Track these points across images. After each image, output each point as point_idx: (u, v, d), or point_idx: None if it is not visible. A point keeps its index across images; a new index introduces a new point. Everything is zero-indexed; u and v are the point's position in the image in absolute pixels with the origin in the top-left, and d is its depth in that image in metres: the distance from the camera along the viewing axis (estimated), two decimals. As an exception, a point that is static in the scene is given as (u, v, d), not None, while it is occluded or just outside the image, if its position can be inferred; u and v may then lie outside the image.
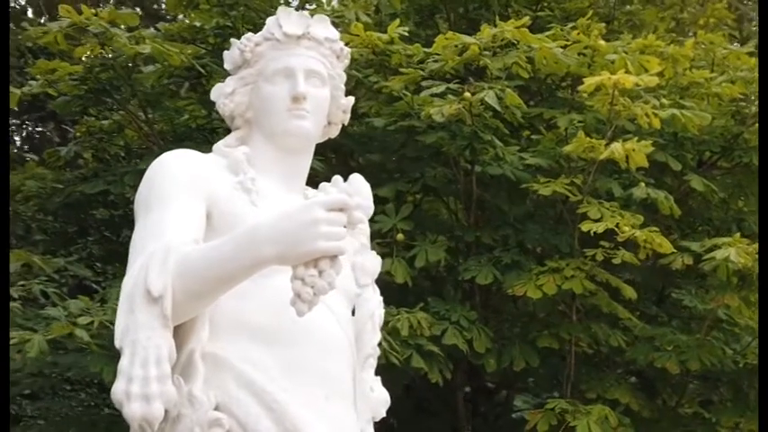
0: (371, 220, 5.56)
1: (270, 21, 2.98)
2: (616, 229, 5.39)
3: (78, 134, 7.42)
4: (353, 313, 3.13)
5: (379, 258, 3.21)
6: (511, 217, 6.26)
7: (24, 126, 11.40)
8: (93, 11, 6.08)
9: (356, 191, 3.26)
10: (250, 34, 3.02)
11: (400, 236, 5.73)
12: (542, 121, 6.51)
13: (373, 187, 5.52)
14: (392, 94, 5.95)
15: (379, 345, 4.91)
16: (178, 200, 2.64)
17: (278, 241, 2.36)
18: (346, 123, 3.20)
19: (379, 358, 4.96)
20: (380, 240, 5.73)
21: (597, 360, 6.71)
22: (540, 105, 6.51)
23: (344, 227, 2.40)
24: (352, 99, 3.16)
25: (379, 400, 3.04)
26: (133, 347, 2.37)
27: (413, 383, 6.30)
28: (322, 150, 6.68)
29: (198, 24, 6.74)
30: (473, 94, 5.46)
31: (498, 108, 5.46)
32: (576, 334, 5.91)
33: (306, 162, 3.03)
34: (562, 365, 6.28)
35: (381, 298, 3.18)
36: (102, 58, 6.26)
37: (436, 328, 5.50)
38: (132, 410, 2.34)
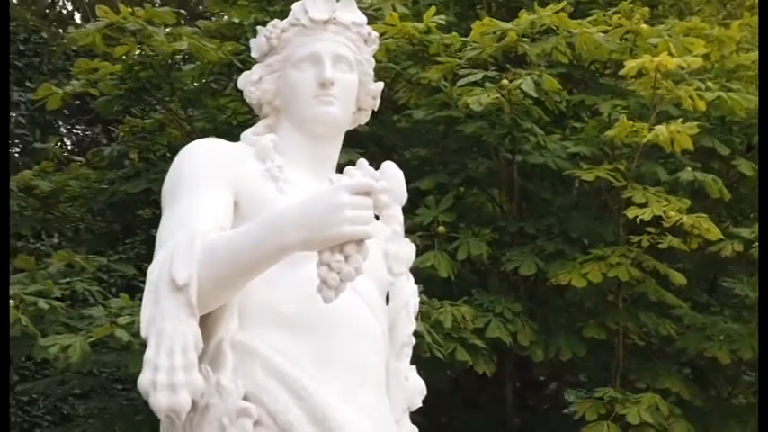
0: (412, 212, 5.55)
1: (296, 6, 2.95)
2: (662, 215, 5.27)
3: (122, 134, 7.46)
4: (388, 302, 3.10)
5: (413, 246, 3.16)
6: (555, 206, 6.16)
7: (73, 129, 11.51)
8: (131, 10, 6.11)
9: (388, 178, 3.23)
10: (276, 21, 2.99)
11: (441, 228, 5.67)
12: (585, 108, 6.40)
13: (416, 180, 5.51)
14: (431, 84, 5.88)
15: (420, 336, 4.94)
16: (204, 189, 2.62)
17: (302, 226, 2.32)
18: (376, 109, 3.16)
19: (424, 352, 4.97)
20: (422, 233, 5.68)
21: (647, 350, 6.59)
22: (583, 93, 6.39)
23: (371, 211, 2.36)
24: (381, 84, 3.12)
25: (414, 389, 2.98)
26: (159, 337, 2.35)
27: (459, 378, 6.23)
28: (364, 144, 6.67)
29: (236, 21, 6.74)
30: (511, 81, 5.37)
31: (535, 94, 5.36)
32: (623, 323, 5.79)
33: (334, 149, 2.99)
34: (612, 357, 6.16)
35: (416, 287, 3.13)
36: (141, 57, 6.28)
37: (480, 320, 5.43)
38: (159, 400, 2.32)
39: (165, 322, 2.35)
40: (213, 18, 7.97)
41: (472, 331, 5.31)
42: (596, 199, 6.36)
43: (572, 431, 5.70)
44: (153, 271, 2.42)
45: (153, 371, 2.33)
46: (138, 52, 6.28)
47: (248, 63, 6.25)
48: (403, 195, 3.22)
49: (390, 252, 3.08)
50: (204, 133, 6.72)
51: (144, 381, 2.33)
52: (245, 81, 3.01)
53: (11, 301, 4.90)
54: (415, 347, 4.89)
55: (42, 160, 7.65)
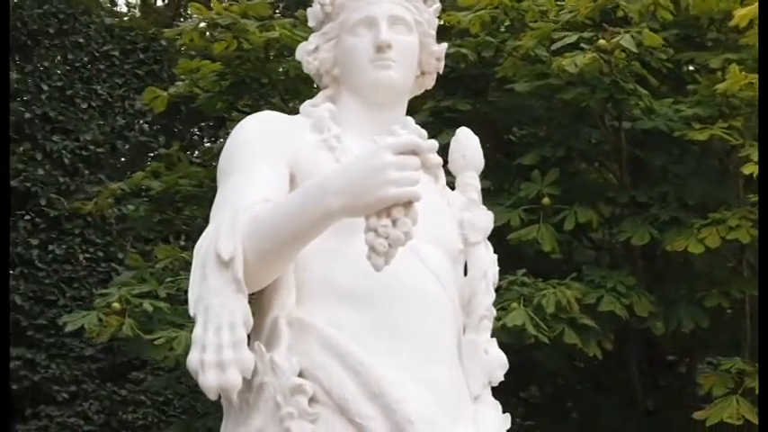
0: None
1: (350, -31, 2.83)
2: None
3: (230, 130, 7.48)
4: (465, 273, 2.96)
5: (490, 214, 3.02)
6: (670, 173, 5.84)
7: (182, 130, 11.71)
8: (226, 5, 6.13)
9: (463, 145, 3.09)
10: (330, -14, 2.87)
11: (546, 200, 5.44)
12: (700, 68, 6.05)
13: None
14: (529, 54, 5.66)
15: (521, 325, 4.75)
16: (255, 164, 2.55)
17: (344, 191, 2.20)
18: (441, 72, 3.01)
19: (528, 338, 4.78)
20: (527, 207, 5.48)
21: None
22: (692, 51, 6.03)
23: (418, 171, 2.21)
24: (444, 45, 2.98)
25: (494, 363, 2.82)
26: (206, 315, 2.28)
27: (578, 359, 5.99)
28: (470, 126, 6.49)
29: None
30: (609, 40, 5.09)
31: (635, 50, 5.06)
32: (749, 291, 5.43)
33: (397, 117, 2.84)
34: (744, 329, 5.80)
35: (496, 256, 2.98)
36: (239, 51, 6.28)
37: (591, 296, 5.19)
38: (207, 380, 2.24)
39: (212, 299, 2.28)
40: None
41: (580, 310, 5.06)
42: (714, 161, 6.01)
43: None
44: (200, 248, 2.36)
45: (201, 350, 2.26)
46: (235, 47, 6.27)
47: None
48: (480, 162, 3.09)
49: (466, 220, 2.96)
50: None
51: (192, 360, 2.26)
52: (302, 52, 2.93)
53: (116, 304, 5.01)
54: (517, 335, 4.73)
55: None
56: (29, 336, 9.41)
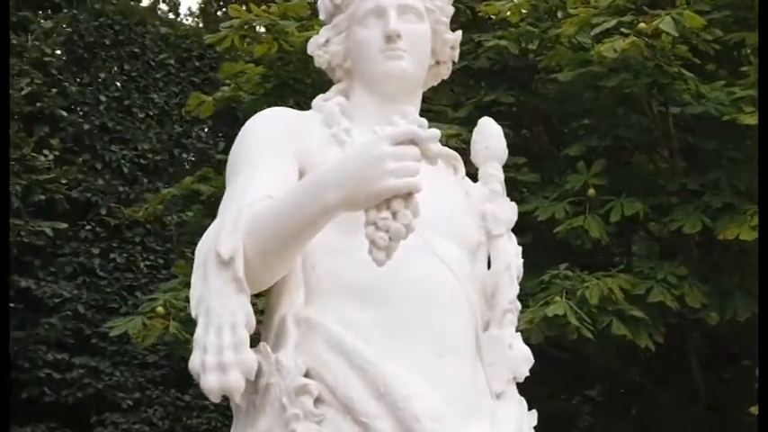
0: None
1: (359, -41, 2.77)
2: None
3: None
4: (489, 266, 2.87)
5: (514, 206, 2.94)
6: (723, 158, 5.64)
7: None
8: (266, 6, 6.11)
9: (486, 135, 3.01)
10: (339, -22, 2.81)
11: (591, 191, 5.30)
12: (754, 50, 5.83)
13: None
14: (571, 41, 5.52)
15: (563, 317, 4.63)
16: (262, 162, 2.50)
17: (342, 183, 2.13)
18: (456, 61, 2.93)
19: (571, 333, 4.66)
20: (572, 199, 5.34)
21: None
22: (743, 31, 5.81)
23: (417, 162, 2.14)
24: (459, 33, 2.89)
25: (518, 357, 2.73)
26: (207, 316, 2.23)
27: (633, 354, 5.82)
28: (520, 119, 6.39)
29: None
30: (649, 24, 4.93)
31: (675, 33, 4.88)
32: (809, 279, 5.20)
33: (410, 109, 2.77)
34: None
35: (520, 248, 2.89)
36: (280, 52, 6.26)
37: (640, 287, 5.03)
38: (209, 382, 2.19)
39: (212, 299, 2.23)
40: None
41: (627, 301, 4.92)
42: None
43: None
44: (201, 248, 2.31)
45: (202, 352, 2.21)
46: (276, 49, 6.25)
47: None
48: (502, 152, 3.01)
49: (488, 212, 2.88)
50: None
51: (193, 362, 2.22)
52: (313, 46, 2.87)
53: (160, 308, 5.01)
54: (561, 328, 4.62)
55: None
56: (92, 344, 9.54)
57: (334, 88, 2.83)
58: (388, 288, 2.40)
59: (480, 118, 5.90)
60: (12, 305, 8.37)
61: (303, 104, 6.85)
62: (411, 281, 2.42)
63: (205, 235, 2.33)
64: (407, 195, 2.11)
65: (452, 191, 2.80)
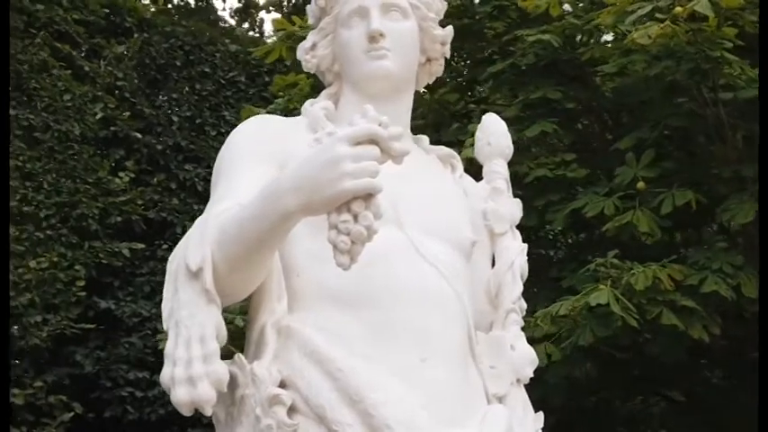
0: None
1: (342, -40, 2.75)
2: None
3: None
4: (493, 265, 2.82)
5: (518, 203, 2.88)
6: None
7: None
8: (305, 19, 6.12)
9: (489, 132, 2.95)
10: (323, -20, 2.80)
11: (641, 184, 5.14)
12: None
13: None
14: (612, 30, 5.38)
15: (605, 306, 4.49)
16: (243, 170, 2.51)
17: (299, 188, 2.11)
18: (447, 56, 2.87)
19: (615, 320, 4.52)
20: (622, 193, 5.19)
21: None
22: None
23: (376, 162, 2.09)
24: (449, 29, 2.84)
25: (521, 359, 2.66)
26: (177, 328, 2.24)
27: (691, 349, 5.62)
28: (574, 115, 6.24)
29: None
30: (684, 7, 4.75)
31: (712, 14, 4.69)
32: None
33: (401, 109, 2.74)
34: None
35: (525, 245, 2.82)
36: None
37: (694, 277, 4.85)
38: (178, 396, 2.19)
39: (182, 311, 2.24)
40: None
41: (682, 293, 4.74)
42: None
43: None
44: (173, 260, 2.31)
45: (171, 365, 2.21)
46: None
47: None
48: (507, 148, 2.96)
49: (490, 210, 2.83)
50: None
51: (164, 376, 2.23)
52: (300, 51, 2.87)
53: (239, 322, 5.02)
54: (606, 319, 4.48)
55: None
56: (173, 360, 9.63)
57: (324, 92, 2.82)
58: (375, 293, 2.37)
59: (529, 116, 5.79)
60: (92, 326, 8.57)
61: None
62: (398, 286, 2.39)
63: (177, 247, 2.33)
64: (368, 197, 2.07)
65: (447, 190, 2.75)
